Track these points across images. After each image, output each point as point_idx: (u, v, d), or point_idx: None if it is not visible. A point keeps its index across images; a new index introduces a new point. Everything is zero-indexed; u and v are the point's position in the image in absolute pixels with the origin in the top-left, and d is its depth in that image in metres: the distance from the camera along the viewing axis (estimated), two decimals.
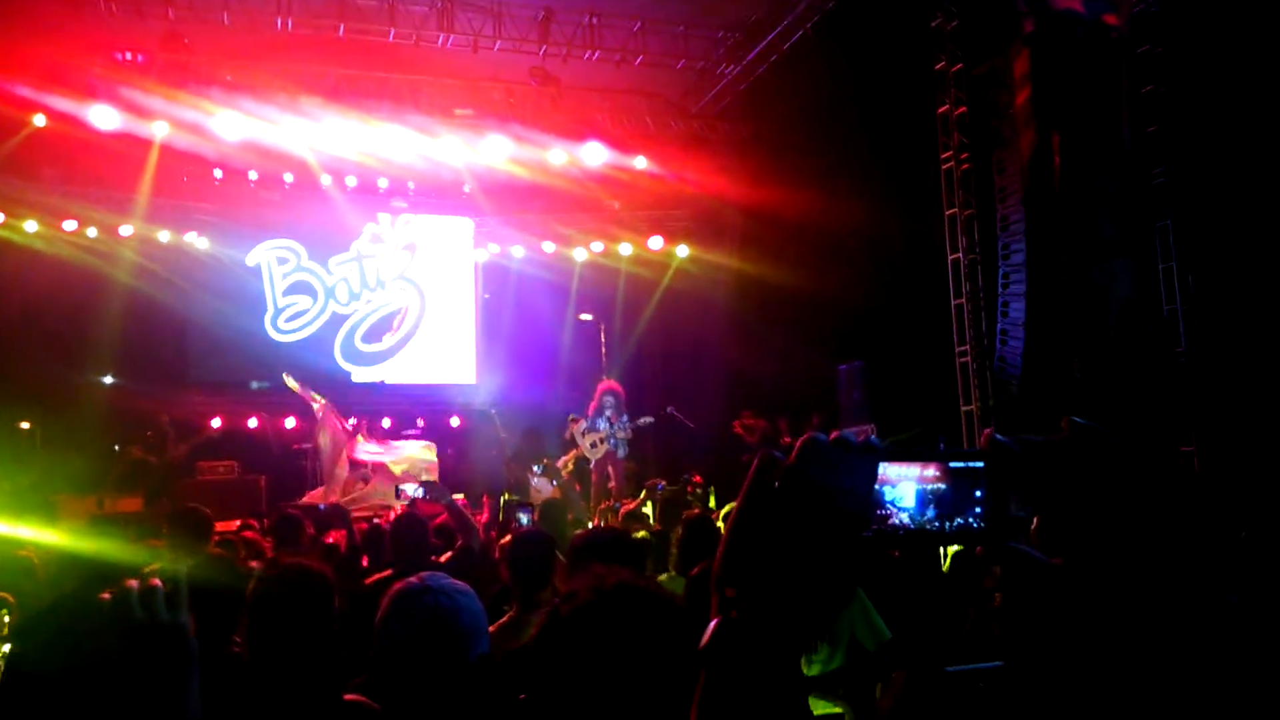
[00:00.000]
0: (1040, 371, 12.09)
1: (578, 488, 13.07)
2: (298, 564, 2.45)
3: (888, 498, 0.87)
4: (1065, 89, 11.12)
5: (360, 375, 16.65)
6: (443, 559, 5.36)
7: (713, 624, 0.83)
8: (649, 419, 14.14)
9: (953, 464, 0.86)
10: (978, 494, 0.86)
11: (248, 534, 6.69)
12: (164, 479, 13.26)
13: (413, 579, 1.97)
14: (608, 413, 13.53)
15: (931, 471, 0.87)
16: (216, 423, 15.43)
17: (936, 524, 0.86)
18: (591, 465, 13.54)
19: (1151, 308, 12.03)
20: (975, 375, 12.42)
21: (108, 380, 14.69)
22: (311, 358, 16.16)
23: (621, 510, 9.01)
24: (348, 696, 2.44)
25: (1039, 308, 12.15)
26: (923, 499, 0.87)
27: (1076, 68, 11.02)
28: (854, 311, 13.37)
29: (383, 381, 16.77)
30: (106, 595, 1.30)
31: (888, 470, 0.86)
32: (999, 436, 0.94)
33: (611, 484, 13.30)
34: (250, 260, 16.26)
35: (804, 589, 0.82)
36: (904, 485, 0.87)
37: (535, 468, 12.93)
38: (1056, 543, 0.85)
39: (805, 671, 3.82)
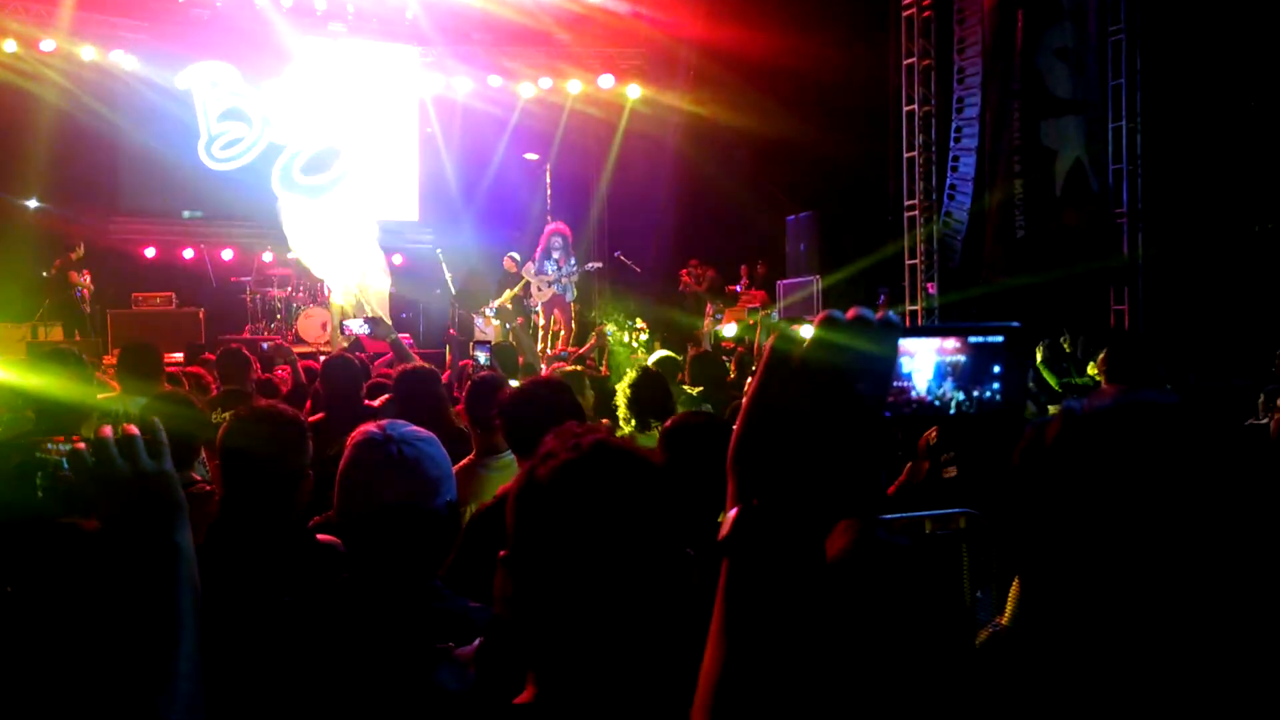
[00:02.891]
0: (984, 228, 12.19)
1: (519, 320, 12.94)
2: (271, 407, 2.43)
3: (905, 370, 0.84)
4: None
5: (301, 208, 16.19)
6: (377, 403, 5.31)
7: (733, 513, 0.80)
8: (597, 264, 14.02)
9: (972, 338, 0.85)
10: (996, 368, 0.85)
11: (197, 369, 6.60)
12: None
13: (372, 427, 1.96)
14: (555, 255, 13.36)
15: (951, 343, 0.85)
16: (150, 252, 15.04)
17: (955, 396, 0.85)
18: (539, 307, 13.47)
19: (1099, 167, 12.12)
20: (922, 230, 12.48)
21: (32, 204, 14.11)
22: (248, 189, 15.66)
23: (570, 358, 9.02)
24: (321, 538, 2.47)
25: (988, 163, 12.15)
26: (941, 372, 0.85)
27: None
28: (805, 161, 13.27)
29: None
30: (82, 446, 1.26)
31: (906, 343, 0.84)
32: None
33: (560, 329, 13.29)
34: (180, 83, 15.46)
35: (826, 474, 0.79)
36: (922, 358, 0.85)
37: (487, 309, 12.80)
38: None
39: None
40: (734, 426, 0.83)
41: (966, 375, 0.85)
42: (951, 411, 0.85)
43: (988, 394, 0.85)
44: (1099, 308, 12.31)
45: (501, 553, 1.15)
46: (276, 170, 15.97)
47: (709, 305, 14.03)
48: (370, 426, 2.02)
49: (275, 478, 2.21)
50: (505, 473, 3.62)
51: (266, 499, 2.22)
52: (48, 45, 14.15)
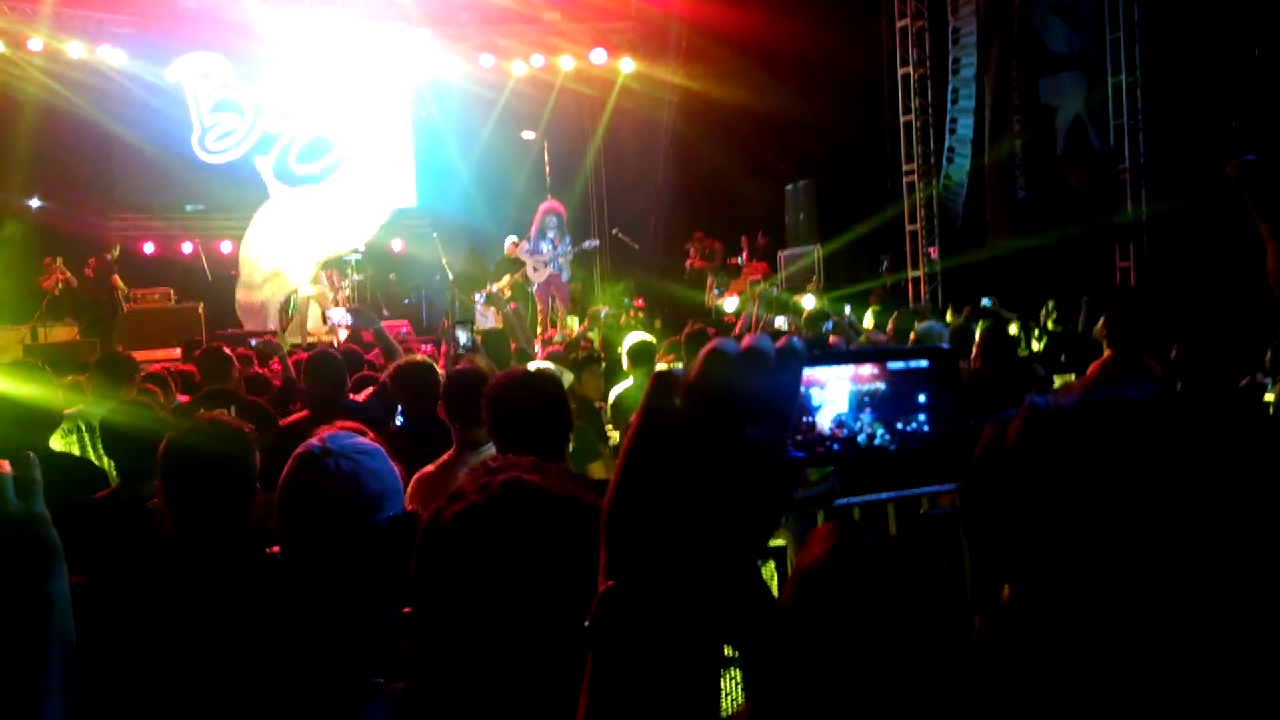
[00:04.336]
0: (985, 190, 12.02)
1: (511, 306, 12.82)
2: (211, 421, 2.35)
3: (815, 402, 0.73)
4: None
5: (295, 197, 16.10)
6: (361, 397, 5.22)
7: (600, 590, 0.67)
8: (593, 242, 13.86)
9: (891, 364, 0.73)
10: (921, 398, 0.74)
11: (189, 367, 6.53)
12: (102, 307, 12.91)
13: (314, 440, 1.88)
14: (550, 234, 13.21)
15: (868, 370, 0.73)
16: (149, 248, 14.98)
17: (874, 429, 0.74)
18: (534, 289, 13.32)
19: (1099, 123, 11.92)
20: (921, 194, 12.32)
21: (34, 203, 14.06)
22: (244, 180, 15.57)
23: (561, 340, 8.92)
24: (273, 549, 2.39)
25: (987, 124, 11.97)
26: (857, 401, 0.74)
27: None
28: (801, 130, 13.09)
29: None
30: None
31: (815, 372, 0.72)
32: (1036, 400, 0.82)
33: (558, 309, 13.15)
34: (170, 76, 15.37)
35: (710, 540, 0.66)
36: (834, 386, 0.73)
37: (478, 296, 12.66)
38: None
39: None
40: (607, 488, 0.70)
41: (887, 406, 0.74)
42: (866, 445, 0.74)
43: (912, 426, 0.74)
44: (1104, 266, 12.14)
45: (406, 609, 1.06)
46: (272, 160, 15.88)
47: (710, 279, 13.85)
48: (312, 440, 1.94)
49: (210, 494, 2.13)
50: None
51: (208, 516, 2.14)
52: (35, 44, 14.07)
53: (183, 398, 5.52)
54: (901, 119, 12.43)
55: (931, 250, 12.21)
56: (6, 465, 1.17)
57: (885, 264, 13.37)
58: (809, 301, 10.86)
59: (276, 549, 2.45)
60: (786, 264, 13.88)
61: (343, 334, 11.57)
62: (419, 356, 5.18)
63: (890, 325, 7.50)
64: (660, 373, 0.69)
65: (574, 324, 12.17)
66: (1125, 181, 12.00)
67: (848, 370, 0.73)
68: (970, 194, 12.22)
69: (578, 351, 7.11)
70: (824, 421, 0.73)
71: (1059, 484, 0.78)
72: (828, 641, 1.29)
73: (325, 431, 1.98)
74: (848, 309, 9.92)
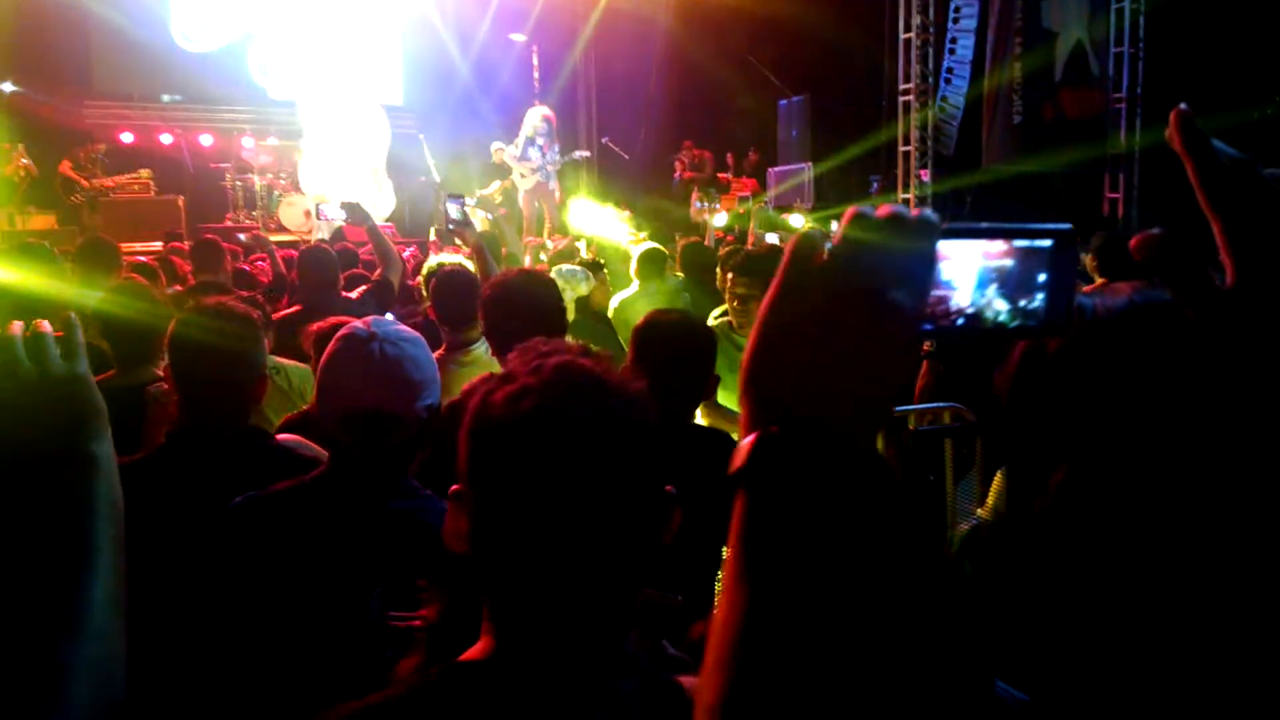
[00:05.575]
0: (981, 114, 11.90)
1: (502, 212, 12.63)
2: (220, 304, 2.32)
3: (944, 276, 0.73)
4: None
5: (279, 91, 15.73)
6: (355, 294, 5.19)
7: (748, 440, 0.68)
8: (584, 153, 13.59)
9: (1017, 241, 0.73)
10: (1041, 277, 0.73)
11: (173, 258, 6.44)
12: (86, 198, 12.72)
13: (358, 324, 1.86)
14: (540, 141, 12.93)
15: (996, 246, 0.73)
16: (128, 137, 14.64)
17: (999, 308, 0.74)
18: (520, 196, 13.11)
19: (1100, 50, 11.78)
20: (918, 115, 12.18)
21: (7, 88, 13.65)
22: (227, 72, 15.17)
23: (553, 249, 8.83)
24: (281, 437, 2.40)
25: (989, 45, 11.79)
26: (984, 278, 0.74)
27: None
28: (799, 43, 12.87)
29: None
30: None
31: (944, 247, 0.72)
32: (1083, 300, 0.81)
33: (545, 218, 12.96)
34: None
35: (856, 395, 0.69)
36: (962, 262, 0.73)
37: (467, 199, 12.46)
38: None
39: (739, 410, 3.88)
40: (747, 344, 0.72)
41: (1012, 283, 0.74)
42: (992, 325, 0.74)
43: (1034, 304, 0.74)
44: (1093, 196, 12.12)
45: (453, 487, 1.05)
46: (256, 53, 15.48)
47: (695, 193, 13.65)
48: (356, 323, 1.91)
49: (226, 378, 2.12)
50: (473, 368, 3.56)
51: (218, 400, 2.14)
52: None
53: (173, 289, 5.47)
54: (901, 36, 12.21)
55: (923, 173, 12.12)
56: (47, 325, 1.15)
57: (875, 186, 13.30)
58: (797, 220, 10.81)
59: (284, 436, 2.45)
60: (777, 181, 13.77)
61: (325, 233, 11.43)
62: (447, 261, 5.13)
63: None
64: (804, 233, 0.70)
65: (562, 232, 12.05)
66: (1121, 110, 11.91)
67: (977, 246, 0.73)
68: (965, 117, 12.10)
69: (574, 261, 7.08)
70: (949, 296, 0.73)
71: (1112, 383, 0.78)
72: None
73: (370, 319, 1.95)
74: (834, 227, 9.86)
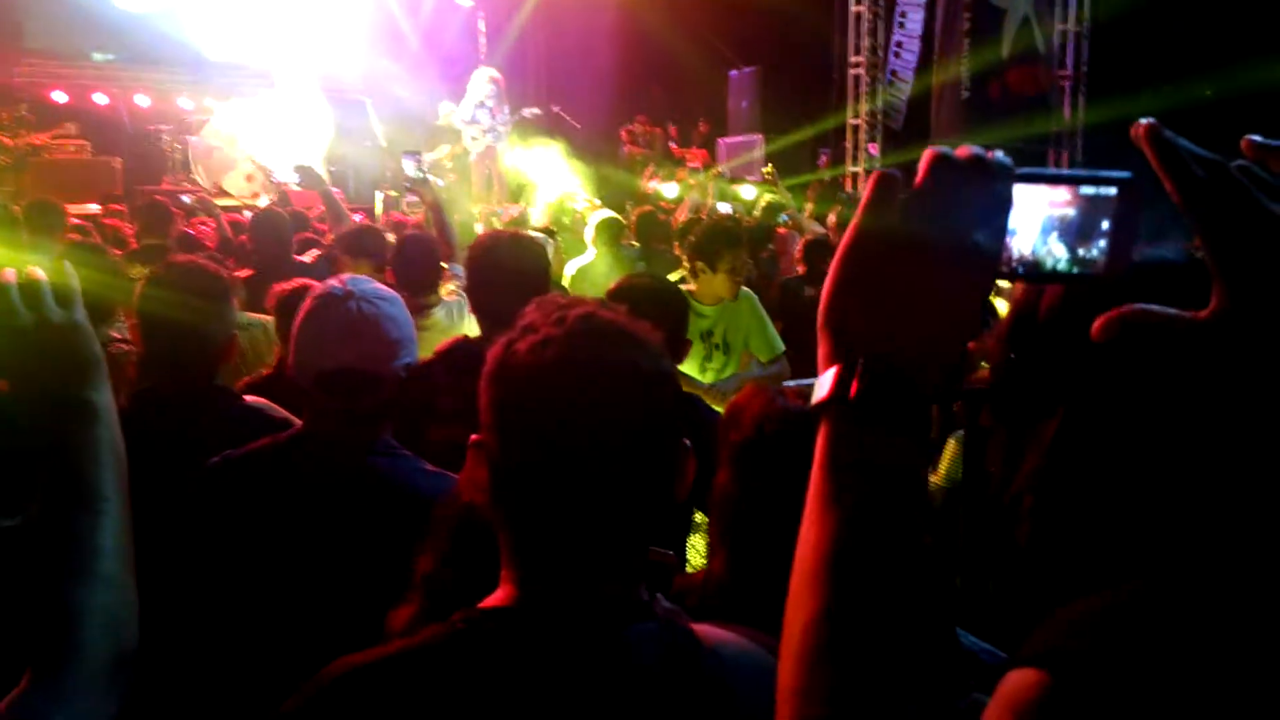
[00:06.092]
0: (930, 89, 12.01)
1: (453, 177, 12.40)
2: (193, 263, 2.26)
3: (1009, 224, 0.74)
4: None
5: (217, 53, 15.29)
6: (309, 258, 5.10)
7: (832, 371, 0.71)
8: (534, 110, 13.31)
9: (1084, 189, 0.73)
10: (1104, 225, 0.74)
11: (112, 220, 6.26)
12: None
13: (333, 282, 1.83)
14: (489, 103, 12.67)
15: (1061, 194, 0.74)
16: (61, 96, 14.16)
17: (1060, 255, 0.74)
18: (472, 158, 12.87)
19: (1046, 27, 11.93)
20: (867, 88, 12.25)
21: None
22: (165, 31, 14.72)
23: (504, 216, 8.75)
24: (249, 399, 2.35)
25: (938, 21, 11.88)
26: (1047, 226, 0.74)
27: None
28: (750, 13, 12.84)
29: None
30: None
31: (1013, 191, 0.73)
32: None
33: (494, 182, 12.77)
34: None
35: (939, 332, 0.71)
36: (1027, 209, 0.74)
37: (419, 162, 12.21)
38: None
39: (700, 378, 3.89)
40: (826, 280, 0.74)
41: (1075, 231, 0.74)
42: (1050, 271, 0.75)
43: (1092, 253, 0.74)
44: None
45: (474, 436, 1.05)
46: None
47: (650, 167, 13.58)
48: (332, 281, 1.88)
49: (197, 339, 2.07)
50: (432, 332, 3.53)
51: (188, 361, 2.09)
52: None
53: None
54: (852, 9, 12.26)
55: (872, 146, 12.22)
56: (42, 273, 1.12)
57: (823, 159, 13.36)
58: (748, 192, 10.83)
59: (250, 397, 2.41)
60: (729, 154, 13.76)
61: (268, 198, 11.20)
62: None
63: (832, 217, 7.53)
64: (884, 173, 0.71)
65: (512, 199, 11.93)
66: (1066, 87, 12.10)
67: (1044, 193, 0.74)
68: (914, 93, 12.20)
69: (527, 228, 7.04)
70: (1015, 242, 0.74)
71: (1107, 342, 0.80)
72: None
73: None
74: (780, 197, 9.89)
